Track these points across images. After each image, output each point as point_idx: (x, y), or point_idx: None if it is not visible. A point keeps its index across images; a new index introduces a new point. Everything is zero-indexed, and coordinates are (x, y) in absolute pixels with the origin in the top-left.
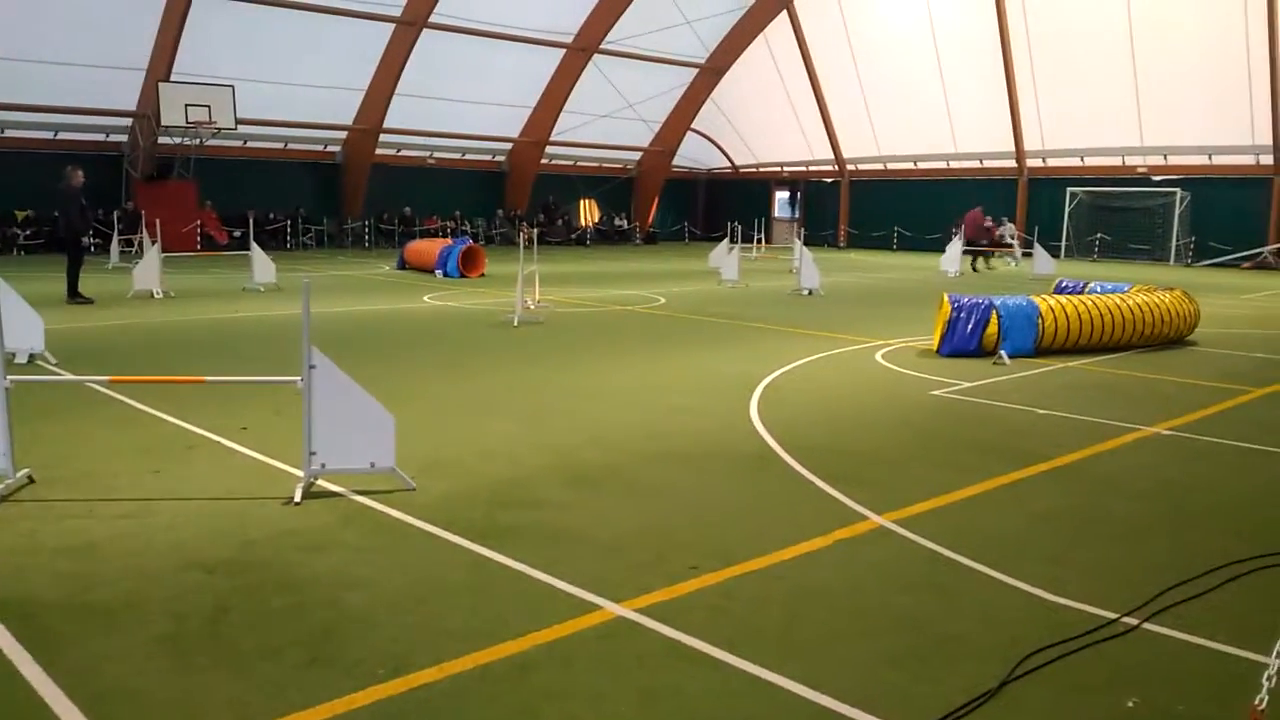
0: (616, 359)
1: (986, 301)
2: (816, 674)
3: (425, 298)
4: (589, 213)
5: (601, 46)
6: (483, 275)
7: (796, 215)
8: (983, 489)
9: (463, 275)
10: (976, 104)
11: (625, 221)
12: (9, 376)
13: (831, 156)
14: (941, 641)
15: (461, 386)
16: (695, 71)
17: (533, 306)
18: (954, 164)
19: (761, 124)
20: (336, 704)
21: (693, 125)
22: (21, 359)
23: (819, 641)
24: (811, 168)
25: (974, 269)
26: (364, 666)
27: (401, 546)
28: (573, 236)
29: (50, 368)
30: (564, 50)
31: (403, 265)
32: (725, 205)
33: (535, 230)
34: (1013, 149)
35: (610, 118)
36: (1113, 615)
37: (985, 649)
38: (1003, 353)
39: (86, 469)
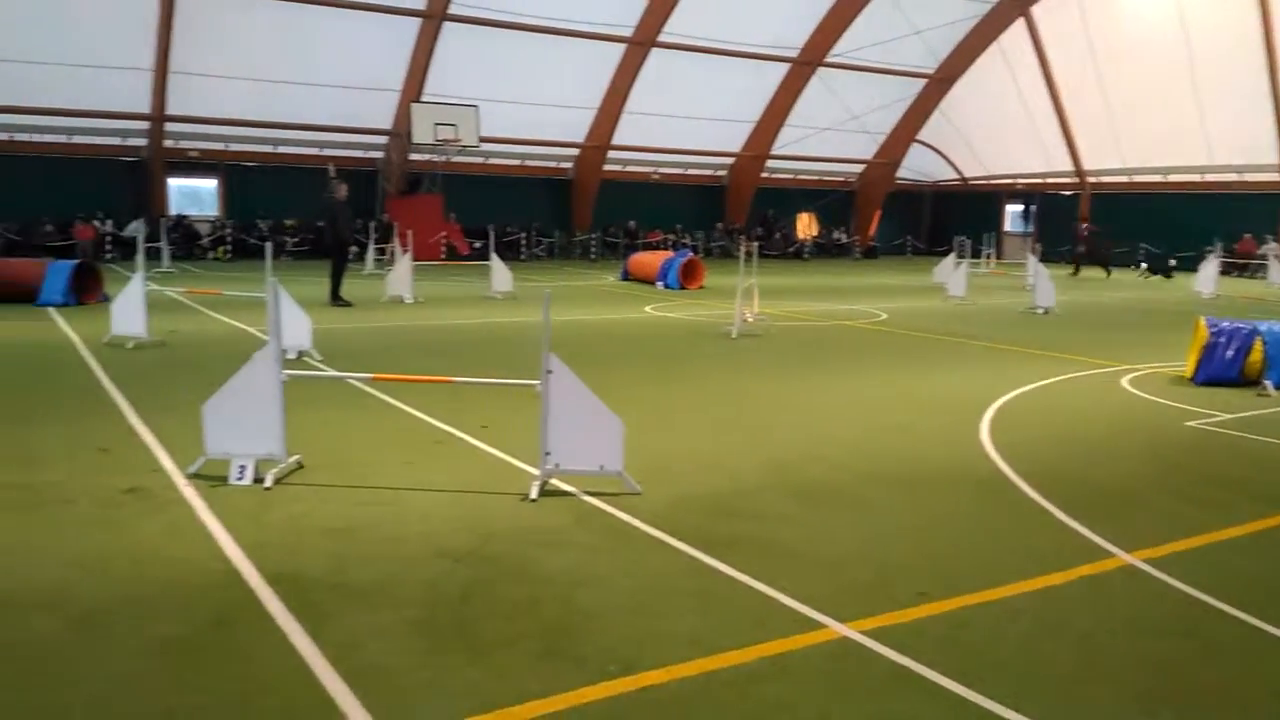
0: (836, 374)
1: (1250, 327)
2: (1057, 715)
3: (647, 308)
4: (808, 226)
5: (826, 60)
6: (702, 287)
7: (1030, 229)
8: (1245, 531)
9: (682, 287)
10: (1235, 110)
11: (845, 235)
12: (284, 371)
13: (1071, 168)
14: (1196, 691)
15: (681, 396)
16: (924, 82)
17: (751, 319)
18: (1209, 176)
19: (993, 134)
20: (570, 696)
21: (919, 136)
22: (291, 355)
23: (1060, 681)
24: (1048, 180)
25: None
26: (595, 662)
27: (629, 549)
28: (790, 250)
29: (316, 364)
30: (789, 65)
31: (626, 277)
32: (952, 218)
33: (754, 243)
34: (1278, 160)
35: (833, 130)
36: None
37: (1247, 702)
38: (1268, 383)
39: (347, 457)
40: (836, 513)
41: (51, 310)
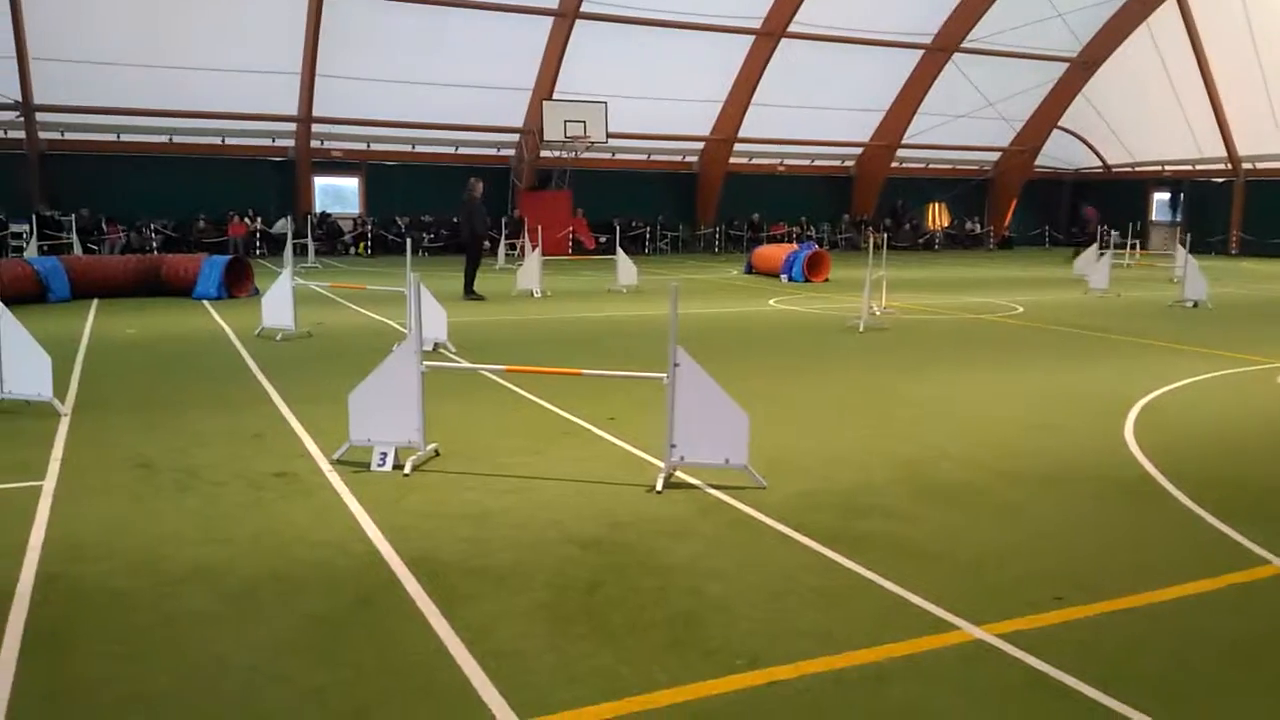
0: (968, 370)
1: None
2: None
3: (771, 301)
4: (939, 216)
5: (962, 45)
6: (827, 280)
7: (1179, 218)
8: None
9: (807, 280)
10: None
11: (978, 225)
12: (424, 363)
13: (1224, 154)
14: None
15: (806, 390)
16: (1065, 66)
17: (879, 312)
18: None
19: (1139, 119)
20: (699, 687)
21: (1060, 122)
22: (427, 347)
23: (1208, 692)
24: (1198, 166)
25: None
26: (722, 655)
27: (755, 543)
28: (920, 241)
29: (451, 356)
30: (922, 51)
31: (750, 270)
32: (1095, 207)
33: (882, 234)
34: None
35: (967, 118)
36: None
37: None
38: None
39: (480, 446)
40: (969, 512)
41: (206, 303)
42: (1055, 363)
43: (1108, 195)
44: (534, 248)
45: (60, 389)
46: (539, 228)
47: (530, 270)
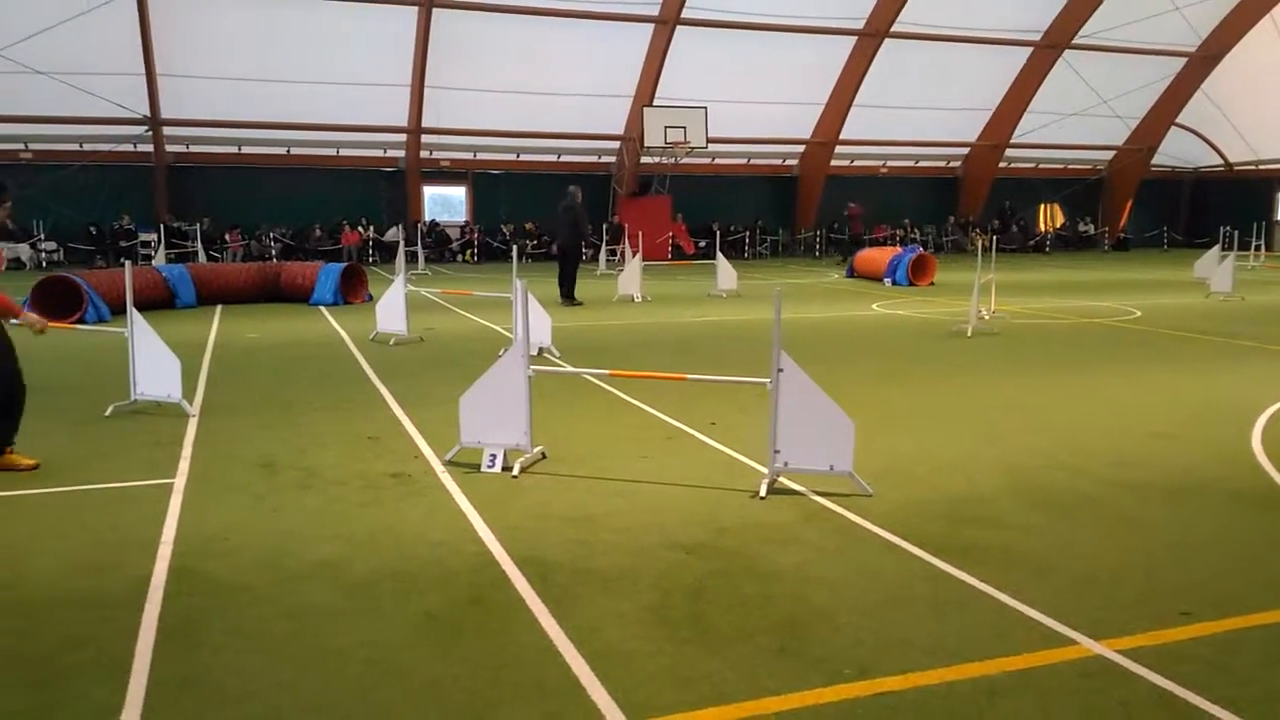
0: (1082, 376)
1: None
2: None
3: (874, 306)
4: (1050, 217)
5: (1074, 41)
6: (932, 284)
7: None
8: None
9: (911, 284)
10: None
11: (1091, 226)
12: (531, 367)
13: None
14: None
15: (912, 396)
16: (1183, 61)
17: (987, 317)
18: None
19: (1264, 115)
20: (806, 695)
21: (1178, 120)
22: (532, 352)
23: None
24: None
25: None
26: (830, 664)
27: (861, 551)
28: (1030, 243)
29: (555, 360)
30: (1031, 49)
31: (851, 274)
32: (1215, 208)
33: (990, 237)
34: None
35: (1079, 115)
36: None
37: None
38: None
39: (585, 449)
40: (1086, 524)
41: (323, 309)
42: (1175, 369)
43: (1231, 194)
44: (634, 253)
45: (188, 391)
46: (639, 233)
47: (631, 276)
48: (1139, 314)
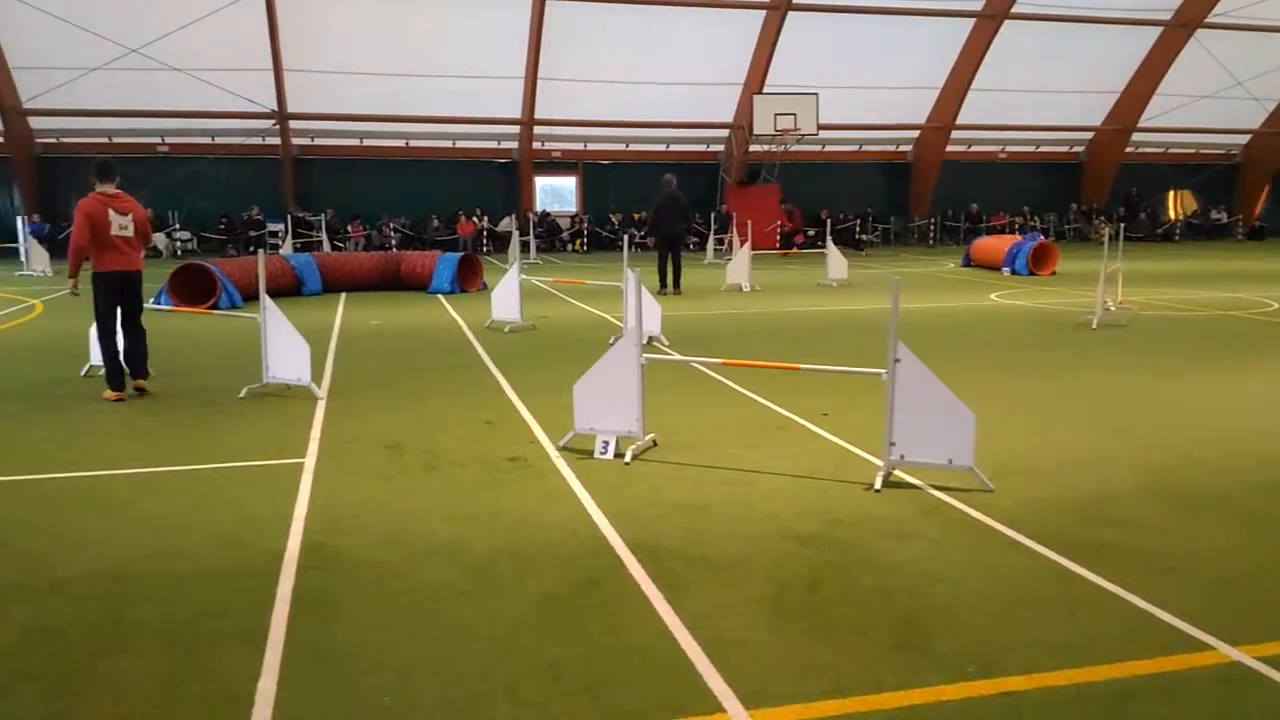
0: (1217, 371)
1: None
2: None
3: (992, 296)
4: (1180, 205)
5: (1207, 20)
6: (1053, 273)
7: None
8: None
9: (1032, 273)
10: None
11: (1224, 214)
12: (644, 355)
13: None
14: None
15: (1034, 389)
16: None
17: (1113, 308)
18: None
19: None
20: (926, 692)
21: None
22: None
23: None
24: None
25: None
26: (952, 661)
27: (983, 548)
28: (1158, 231)
29: (664, 349)
30: (1160, 29)
31: (968, 262)
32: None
33: (1116, 224)
34: None
35: (1213, 98)
36: None
37: None
38: None
39: (696, 438)
40: (1224, 525)
41: (441, 297)
42: None
43: None
44: (743, 242)
45: (316, 374)
46: (748, 222)
47: (739, 264)
48: (1277, 306)
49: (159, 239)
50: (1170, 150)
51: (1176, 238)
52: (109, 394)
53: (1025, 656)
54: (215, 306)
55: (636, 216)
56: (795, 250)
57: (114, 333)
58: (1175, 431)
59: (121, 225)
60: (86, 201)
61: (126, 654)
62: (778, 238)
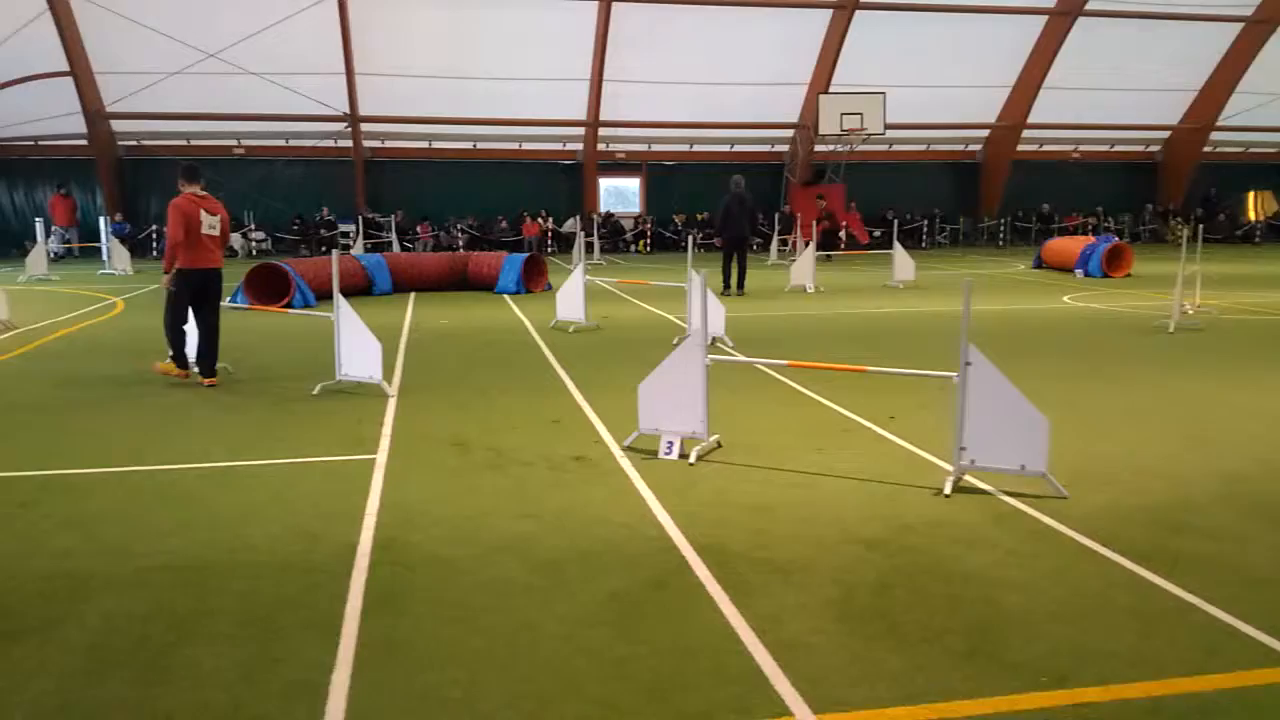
0: None
1: None
2: None
3: (1064, 298)
4: (1260, 205)
5: None
6: (1128, 276)
7: None
8: None
9: (1105, 275)
10: None
11: None
12: (708, 356)
13: None
14: None
15: (1110, 394)
16: None
17: (1191, 311)
18: None
19: None
20: (999, 701)
21: None
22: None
23: None
24: None
25: None
26: (1024, 670)
27: (1057, 555)
28: (1238, 233)
29: (728, 350)
30: (1241, 24)
31: (1039, 264)
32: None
33: (1194, 225)
34: None
35: None
36: None
37: None
38: None
39: (761, 439)
40: None
41: (507, 297)
42: None
43: None
44: (807, 243)
45: (387, 373)
46: (813, 223)
47: (803, 265)
48: None
49: (234, 239)
50: (1251, 150)
51: (1256, 240)
52: (174, 370)
53: (1100, 667)
54: (289, 305)
55: (700, 217)
56: (847, 251)
57: (185, 322)
58: (1255, 438)
59: (210, 225)
60: (182, 200)
61: (206, 643)
62: (841, 239)
